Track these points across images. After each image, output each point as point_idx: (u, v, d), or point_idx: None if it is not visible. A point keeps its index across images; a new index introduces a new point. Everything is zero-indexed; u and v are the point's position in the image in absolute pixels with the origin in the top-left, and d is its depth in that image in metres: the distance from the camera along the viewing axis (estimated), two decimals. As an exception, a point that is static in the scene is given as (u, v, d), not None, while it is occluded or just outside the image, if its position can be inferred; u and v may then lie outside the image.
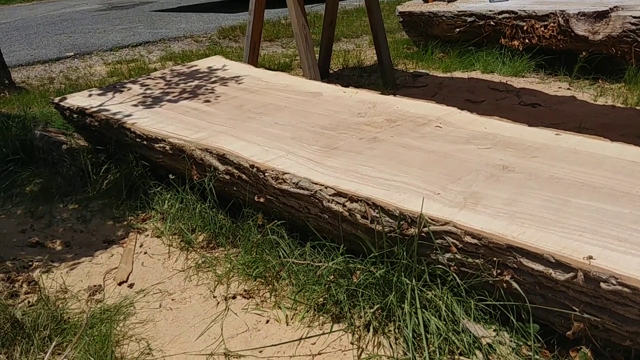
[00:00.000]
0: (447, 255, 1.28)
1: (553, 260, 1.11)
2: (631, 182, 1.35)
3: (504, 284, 1.20)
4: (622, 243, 1.12)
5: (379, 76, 3.30)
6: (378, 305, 1.34)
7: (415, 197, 1.36)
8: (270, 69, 3.15)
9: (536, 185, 1.38)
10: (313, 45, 2.92)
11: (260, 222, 1.68)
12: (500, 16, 3.37)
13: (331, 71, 3.59)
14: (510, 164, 1.50)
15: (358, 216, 1.40)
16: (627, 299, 1.02)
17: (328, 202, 1.45)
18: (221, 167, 1.73)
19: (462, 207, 1.31)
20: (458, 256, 1.26)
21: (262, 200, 1.65)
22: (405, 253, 1.33)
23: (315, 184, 1.48)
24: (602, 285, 1.04)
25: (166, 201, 1.94)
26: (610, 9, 2.93)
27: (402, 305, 1.29)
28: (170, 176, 1.93)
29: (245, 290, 1.54)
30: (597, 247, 1.11)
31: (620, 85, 2.90)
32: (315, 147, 1.70)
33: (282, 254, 1.58)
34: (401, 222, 1.32)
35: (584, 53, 3.04)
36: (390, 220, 1.35)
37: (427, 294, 1.30)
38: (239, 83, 2.39)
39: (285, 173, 1.54)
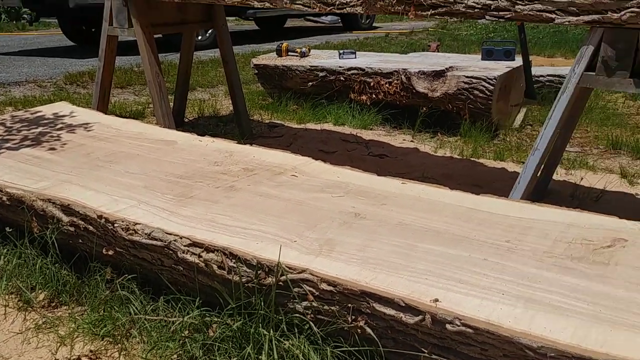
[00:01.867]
0: (304, 303, 1.29)
1: (403, 304, 1.15)
2: (469, 227, 1.46)
3: (359, 330, 1.23)
4: (464, 285, 1.20)
5: (235, 126, 3.32)
6: (235, 359, 1.30)
7: (273, 246, 1.36)
8: (121, 116, 3.04)
9: (386, 232, 1.44)
10: (167, 94, 2.87)
11: (109, 276, 1.58)
12: (349, 72, 3.56)
13: (186, 120, 3.54)
14: (362, 211, 1.55)
15: (215, 267, 1.37)
16: (470, 339, 1.08)
17: (183, 253, 1.41)
18: (65, 219, 1.61)
19: (318, 254, 1.33)
20: (315, 304, 1.27)
21: (111, 253, 1.56)
22: (263, 303, 1.32)
23: (169, 234, 1.43)
24: (448, 326, 1.09)
25: (1, 257, 1.77)
26: (446, 69, 3.21)
27: (260, 357, 1.27)
28: (7, 229, 1.77)
29: (91, 351, 1.43)
30: (442, 290, 1.18)
31: (457, 138, 3.16)
32: (169, 196, 1.65)
33: (133, 310, 1.49)
34: (259, 272, 1.32)
35: (424, 108, 3.29)
36: (248, 270, 1.33)
37: (285, 344, 1.29)
38: (88, 130, 2.28)
39: (136, 223, 1.48)
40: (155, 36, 2.82)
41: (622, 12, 1.48)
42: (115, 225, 1.50)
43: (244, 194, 1.67)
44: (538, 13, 1.59)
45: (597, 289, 1.18)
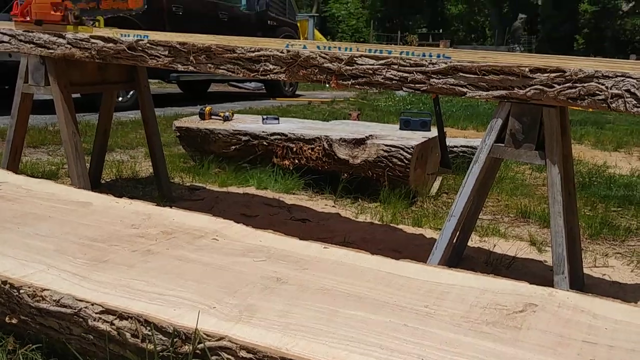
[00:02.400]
0: (222, 372, 1.24)
1: (325, 371, 1.13)
2: (390, 292, 1.48)
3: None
4: (385, 351, 1.20)
5: (154, 188, 3.25)
6: None
7: (191, 312, 1.32)
8: (33, 176, 2.91)
9: (308, 297, 1.43)
10: (84, 154, 2.79)
11: (12, 347, 1.47)
12: (272, 137, 3.61)
13: (103, 181, 3.44)
14: (284, 276, 1.54)
15: (128, 335, 1.31)
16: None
17: (94, 320, 1.33)
18: (-35, 284, 1.50)
19: (238, 321, 1.30)
20: (233, 372, 1.23)
21: (14, 321, 1.46)
22: (178, 373, 1.26)
23: (81, 300, 1.36)
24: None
25: None
26: (366, 137, 3.32)
27: None
28: None
29: None
30: (363, 356, 1.17)
31: (377, 204, 3.23)
32: (82, 260, 1.57)
33: (37, 383, 1.39)
34: (175, 340, 1.26)
35: (345, 174, 3.36)
36: (164, 338, 1.28)
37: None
38: (-5, 190, 2.16)
39: (44, 289, 1.39)
40: (74, 95, 2.76)
41: (527, 89, 1.60)
42: (21, 291, 1.41)
43: (161, 258, 1.62)
44: (451, 87, 1.69)
45: (511, 353, 1.21)
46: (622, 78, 1.48)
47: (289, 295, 1.43)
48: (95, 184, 3.19)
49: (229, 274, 1.54)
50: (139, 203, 2.06)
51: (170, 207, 2.03)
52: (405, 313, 1.38)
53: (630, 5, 31.33)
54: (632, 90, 1.46)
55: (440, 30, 27.92)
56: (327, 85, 1.89)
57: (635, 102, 1.46)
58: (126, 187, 3.37)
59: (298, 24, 13.75)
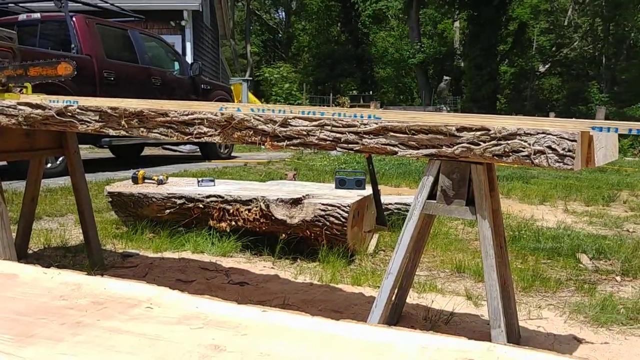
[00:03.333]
0: None
1: None
2: (331, 353, 1.45)
3: None
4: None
5: (85, 256, 3.13)
6: None
7: (123, 387, 1.25)
8: (-47, 248, 2.74)
9: (247, 363, 1.39)
10: (9, 223, 2.67)
11: None
12: (208, 199, 3.57)
13: (30, 251, 3.28)
14: (222, 342, 1.49)
15: (55, 416, 1.22)
16: None
17: (18, 402, 1.25)
18: None
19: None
20: None
21: None
22: None
23: (3, 381, 1.27)
24: None
25: None
26: (303, 196, 3.33)
27: None
28: None
29: None
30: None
31: (316, 264, 3.22)
32: (6, 336, 1.48)
33: None
34: (107, 418, 1.19)
35: (283, 235, 3.35)
36: (94, 417, 1.20)
37: None
38: None
39: (-37, 371, 1.30)
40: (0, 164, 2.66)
41: (455, 147, 1.66)
42: (-64, 374, 1.30)
43: (92, 330, 1.54)
44: (383, 146, 1.74)
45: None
46: (544, 135, 1.56)
47: (228, 362, 1.39)
48: (22, 255, 3.04)
49: (164, 343, 1.48)
50: (68, 273, 1.97)
51: (102, 275, 1.95)
52: (348, 375, 1.36)
53: (547, 66, 33.51)
54: (553, 146, 1.54)
55: (371, 92, 28.84)
56: (263, 146, 1.90)
57: (556, 157, 1.54)
58: (55, 257, 3.23)
59: (232, 87, 13.91)
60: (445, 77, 21.75)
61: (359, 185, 3.72)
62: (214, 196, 3.56)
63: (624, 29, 31.32)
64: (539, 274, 3.11)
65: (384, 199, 4.08)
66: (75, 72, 2.50)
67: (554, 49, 33.06)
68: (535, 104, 33.33)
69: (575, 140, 1.51)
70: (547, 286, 2.92)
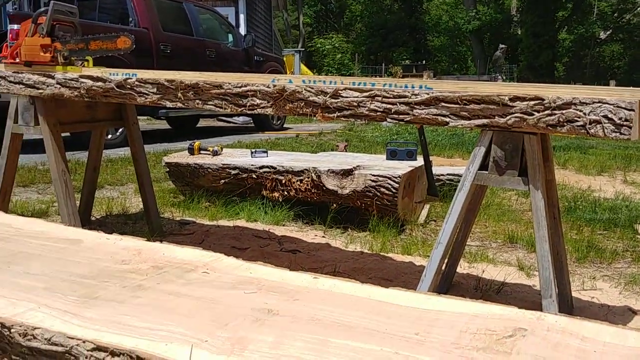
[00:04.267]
0: (216, 405, 1.24)
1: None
2: (380, 320, 1.49)
3: None
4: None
5: (144, 224, 3.26)
6: None
7: (182, 346, 1.32)
8: (23, 215, 2.91)
9: (299, 327, 1.44)
10: (74, 192, 2.80)
11: (2, 387, 1.46)
12: (261, 170, 3.64)
13: (93, 218, 3.44)
14: (275, 307, 1.55)
15: (120, 371, 1.31)
16: None
17: (86, 358, 1.33)
18: (-45, 325, 1.50)
19: (230, 354, 1.30)
20: (226, 405, 1.23)
21: (5, 361, 1.45)
22: (171, 407, 1.26)
23: (72, 338, 1.36)
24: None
25: None
26: (354, 167, 3.35)
27: None
28: None
29: None
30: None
31: (366, 233, 3.25)
32: (72, 297, 1.58)
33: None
34: (167, 374, 1.26)
35: (334, 205, 3.39)
36: (156, 373, 1.28)
37: None
38: (-15, 230, 2.16)
39: (35, 328, 1.39)
40: (63, 134, 2.79)
41: (508, 117, 1.64)
42: (12, 330, 1.41)
43: (152, 293, 1.63)
44: (434, 117, 1.73)
45: (501, 377, 1.23)
46: (599, 104, 1.52)
47: (280, 326, 1.44)
48: (86, 222, 3.19)
49: (219, 307, 1.55)
50: (129, 239, 2.07)
51: (161, 241, 2.04)
52: (396, 341, 1.39)
53: (608, 33, 32.05)
54: (610, 115, 1.51)
55: (424, 62, 28.32)
56: (314, 118, 1.92)
57: (612, 127, 1.51)
58: (116, 224, 3.38)
59: (285, 59, 13.93)
60: (500, 45, 21.12)
61: (410, 156, 3.71)
62: (267, 167, 3.63)
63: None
64: (594, 245, 3.05)
65: (436, 170, 4.05)
66: (134, 46, 2.57)
67: (615, 14, 31.50)
68: (596, 72, 32.01)
69: (632, 110, 1.47)
70: (602, 257, 2.87)
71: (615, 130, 1.49)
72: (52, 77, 2.50)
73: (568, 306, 2.21)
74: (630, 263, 2.83)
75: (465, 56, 35.60)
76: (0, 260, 1.85)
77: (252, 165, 3.68)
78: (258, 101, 1.97)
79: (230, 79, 2.05)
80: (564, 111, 1.55)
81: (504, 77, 22.90)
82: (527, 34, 26.30)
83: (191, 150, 4.14)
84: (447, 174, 4.14)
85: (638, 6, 30.70)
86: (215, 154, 4.10)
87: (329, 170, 3.39)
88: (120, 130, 6.92)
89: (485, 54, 28.26)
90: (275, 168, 3.59)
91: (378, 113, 1.81)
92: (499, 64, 24.28)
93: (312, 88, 1.87)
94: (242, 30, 15.46)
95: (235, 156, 4.07)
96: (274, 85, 1.93)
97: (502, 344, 1.41)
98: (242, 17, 16.35)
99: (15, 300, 1.55)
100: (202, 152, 4.16)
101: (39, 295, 1.59)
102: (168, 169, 4.03)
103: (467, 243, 2.75)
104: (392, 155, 3.74)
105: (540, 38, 24.71)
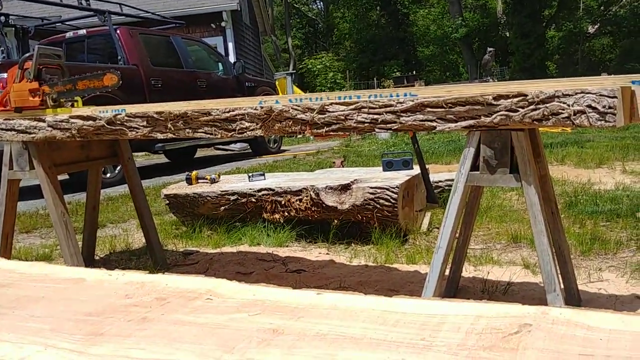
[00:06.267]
0: None
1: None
2: (385, 329, 1.49)
3: None
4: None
5: (148, 258, 3.26)
6: None
7: (190, 374, 1.32)
8: (27, 260, 2.92)
9: (305, 344, 1.44)
10: (74, 233, 2.81)
11: None
12: (260, 193, 3.65)
13: (97, 258, 3.44)
14: (280, 326, 1.55)
15: (130, 405, 1.30)
16: None
17: (95, 394, 1.33)
18: (-37, 374, 1.50)
19: (238, 377, 1.30)
20: None
21: (16, 405, 1.45)
22: None
23: (80, 375, 1.36)
24: None
25: None
26: (351, 182, 3.36)
27: None
28: None
29: None
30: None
31: (370, 246, 3.25)
32: (78, 335, 1.58)
33: None
34: (177, 403, 1.26)
35: (335, 221, 3.39)
36: (166, 403, 1.28)
37: None
38: (-12, 278, 2.17)
39: (43, 369, 1.39)
40: (60, 177, 2.80)
41: (493, 116, 1.65)
42: (20, 373, 1.41)
43: (157, 324, 1.63)
44: (421, 122, 1.75)
45: (510, 374, 1.22)
46: (582, 94, 1.54)
47: (286, 345, 1.44)
48: (90, 261, 3.20)
49: (225, 331, 1.55)
50: (132, 273, 2.07)
51: (163, 273, 2.05)
52: (403, 348, 1.38)
53: (596, 26, 32.22)
54: (593, 104, 1.52)
55: (414, 72, 28.47)
56: (306, 136, 1.94)
57: (597, 115, 1.52)
58: (120, 260, 3.38)
59: (277, 83, 14.02)
60: (488, 49, 21.22)
61: (406, 165, 3.72)
62: (265, 189, 3.64)
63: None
64: (597, 236, 3.04)
65: (434, 177, 4.06)
66: (120, 82, 2.60)
67: (602, 7, 31.69)
68: (588, 66, 32.08)
69: (615, 97, 1.48)
70: (606, 248, 2.86)
71: (600, 118, 1.50)
72: (43, 121, 2.52)
73: (575, 300, 2.20)
74: (635, 251, 2.82)
75: (456, 63, 35.79)
76: (4, 305, 1.85)
77: (250, 189, 3.69)
78: (247, 124, 1.99)
79: (218, 105, 2.07)
80: (547, 105, 1.57)
81: (496, 80, 22.99)
82: (515, 35, 26.46)
83: (189, 181, 4.16)
84: (446, 180, 4.14)
85: (622, -2, 30.93)
86: (213, 181, 4.11)
87: (326, 186, 3.39)
88: (118, 168, 6.95)
89: (476, 59, 28.43)
90: (273, 190, 3.60)
91: (366, 124, 1.82)
92: (489, 67, 24.39)
93: (299, 106, 1.89)
94: (232, 57, 15.59)
95: (233, 182, 4.08)
96: (262, 107, 1.95)
97: (508, 341, 1.40)
98: (230, 45, 16.51)
99: (22, 344, 1.55)
100: (199, 181, 4.18)
101: (44, 336, 1.59)
102: (168, 201, 4.05)
103: (471, 246, 2.75)
104: (389, 166, 3.75)
105: (529, 38, 24.85)
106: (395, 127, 1.78)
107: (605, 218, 3.46)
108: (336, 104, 1.84)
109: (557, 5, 29.31)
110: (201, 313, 1.69)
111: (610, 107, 1.48)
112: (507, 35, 29.41)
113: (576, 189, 4.36)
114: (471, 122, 1.69)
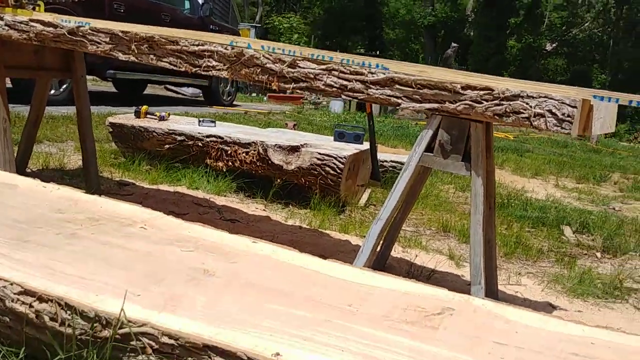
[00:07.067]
0: (142, 357, 1.24)
1: (245, 358, 1.16)
2: (315, 289, 1.52)
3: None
4: (307, 342, 1.23)
5: (82, 181, 3.16)
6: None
7: (114, 298, 1.31)
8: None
9: (234, 290, 1.45)
10: (12, 141, 2.69)
11: None
12: (208, 139, 3.59)
13: (29, 170, 3.31)
14: (212, 268, 1.55)
15: (46, 318, 1.28)
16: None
17: (12, 301, 1.30)
18: None
19: (162, 309, 1.30)
20: (153, 357, 1.23)
21: None
22: (95, 356, 1.25)
23: (-1, 279, 1.32)
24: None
25: None
26: (301, 144, 3.36)
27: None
28: None
29: None
30: (284, 346, 1.20)
31: (307, 211, 3.28)
32: (3, 239, 1.53)
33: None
34: (95, 324, 1.25)
35: (278, 180, 3.39)
36: (83, 322, 1.26)
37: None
38: None
39: (-39, 266, 1.35)
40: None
41: (458, 104, 1.68)
42: None
43: (87, 241, 1.60)
44: (387, 97, 1.76)
45: (427, 349, 1.28)
46: (545, 99, 1.58)
47: (215, 287, 1.44)
48: (21, 172, 3.07)
49: (155, 261, 1.54)
50: (66, 189, 2.02)
51: (99, 195, 2.00)
52: (329, 310, 1.42)
53: (554, 45, 33.05)
54: (554, 110, 1.57)
55: (378, 52, 28.50)
56: (269, 85, 1.91)
57: (555, 121, 1.57)
58: (52, 177, 3.27)
59: (240, 32, 13.72)
60: (453, 44, 21.47)
61: (357, 139, 3.75)
62: (214, 136, 3.59)
63: (636, 14, 30.75)
64: (522, 241, 3.18)
65: (380, 156, 4.11)
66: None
67: (564, 27, 32.48)
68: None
69: (575, 107, 1.54)
70: (528, 255, 2.99)
71: (557, 124, 1.55)
72: (1, 19, 2.39)
73: (494, 297, 2.30)
74: (553, 263, 2.96)
75: (417, 53, 36.01)
76: None
77: (199, 133, 3.63)
78: (214, 63, 1.94)
79: (188, 36, 2.02)
80: (511, 102, 1.61)
81: (454, 78, 23.24)
82: (479, 36, 26.84)
83: (137, 114, 4.05)
84: (391, 161, 4.21)
85: (586, 22, 31.81)
86: (161, 119, 4.02)
87: (276, 144, 3.38)
88: (64, 86, 6.66)
89: (437, 53, 28.70)
90: (222, 138, 3.56)
91: (334, 89, 1.82)
92: (449, 63, 24.70)
93: (271, 55, 1.86)
94: (200, -1, 15.11)
95: (182, 123, 4.01)
96: (232, 48, 1.91)
97: (430, 320, 1.46)
98: (200, -15, 15.99)
99: (-60, 238, 1.49)
100: (148, 116, 4.07)
101: (-34, 235, 1.53)
102: (112, 130, 3.93)
103: (403, 227, 2.81)
104: (340, 137, 3.77)
105: (491, 42, 25.25)
106: (362, 97, 1.78)
107: (532, 224, 3.61)
108: (308, 60, 1.83)
109: (524, 16, 29.81)
110: (134, 240, 1.66)
111: (569, 116, 1.54)
112: (472, 34, 29.81)
113: (510, 193, 4.53)
114: (435, 105, 1.72)
